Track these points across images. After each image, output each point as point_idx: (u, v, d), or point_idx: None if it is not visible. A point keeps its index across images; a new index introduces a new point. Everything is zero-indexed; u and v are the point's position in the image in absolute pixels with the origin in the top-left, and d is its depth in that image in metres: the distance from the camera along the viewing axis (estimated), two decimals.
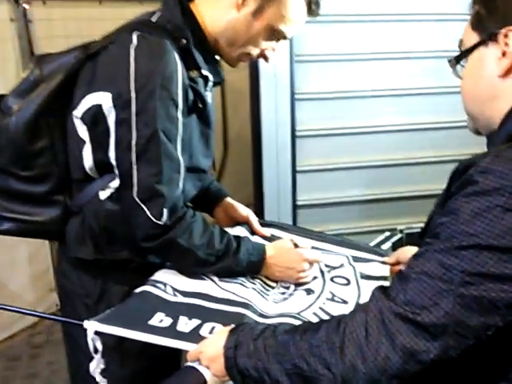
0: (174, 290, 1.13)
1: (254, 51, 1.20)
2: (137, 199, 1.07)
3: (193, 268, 1.18)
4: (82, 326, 1.00)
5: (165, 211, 1.07)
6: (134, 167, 1.06)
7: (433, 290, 0.70)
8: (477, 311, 0.68)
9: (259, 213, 2.26)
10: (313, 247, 1.36)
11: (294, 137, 2.24)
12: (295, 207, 2.33)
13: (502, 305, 0.67)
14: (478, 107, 0.85)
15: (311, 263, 1.26)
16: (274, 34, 1.17)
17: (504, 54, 0.78)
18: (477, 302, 0.68)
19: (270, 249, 1.25)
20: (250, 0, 1.12)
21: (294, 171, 2.29)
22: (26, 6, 2.52)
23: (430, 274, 0.70)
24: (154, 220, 1.07)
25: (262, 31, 1.15)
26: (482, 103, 0.84)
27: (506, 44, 0.78)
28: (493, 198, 0.68)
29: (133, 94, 1.04)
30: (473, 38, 0.83)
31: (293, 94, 2.18)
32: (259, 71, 2.13)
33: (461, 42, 0.87)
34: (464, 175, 0.72)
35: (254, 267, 1.22)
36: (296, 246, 1.28)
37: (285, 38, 1.20)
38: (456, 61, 0.87)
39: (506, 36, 0.78)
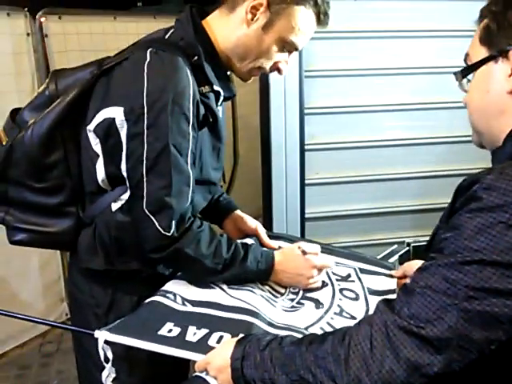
0: (184, 299, 1.15)
1: (267, 64, 1.21)
2: (146, 211, 1.09)
3: (201, 277, 1.20)
4: (93, 335, 1.02)
5: (173, 223, 1.09)
6: (145, 180, 1.08)
7: (437, 304, 0.70)
8: (480, 326, 0.68)
9: (268, 225, 2.27)
10: None
11: (302, 150, 2.25)
12: (303, 220, 2.34)
13: (506, 319, 0.68)
14: (484, 121, 0.85)
15: (320, 269, 1.27)
16: (286, 46, 1.19)
17: None
18: (480, 317, 0.68)
19: (279, 255, 1.26)
20: (260, 15, 1.14)
21: (303, 184, 2.29)
22: (42, 19, 2.57)
23: (435, 289, 0.71)
24: (162, 232, 1.08)
25: (273, 44, 1.17)
26: (489, 118, 0.84)
27: None
28: (496, 214, 0.69)
29: (145, 109, 1.07)
30: (481, 52, 0.83)
31: (302, 108, 2.20)
32: (269, 86, 2.15)
33: (467, 56, 0.87)
34: (468, 191, 0.73)
35: (262, 274, 1.22)
36: (304, 252, 1.28)
37: (296, 49, 1.21)
38: (462, 75, 0.86)
39: None
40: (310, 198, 2.33)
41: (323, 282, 1.28)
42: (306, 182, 2.31)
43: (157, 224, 1.08)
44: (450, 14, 2.19)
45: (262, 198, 2.37)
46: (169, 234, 1.09)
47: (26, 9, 2.56)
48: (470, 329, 0.69)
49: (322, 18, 1.18)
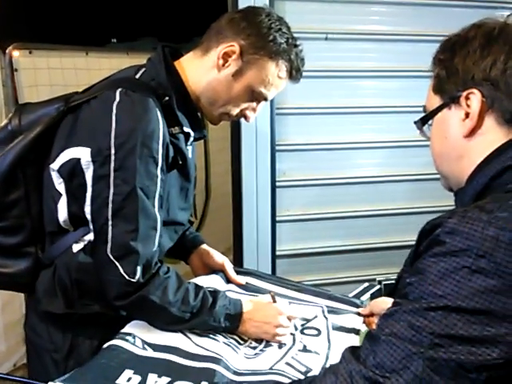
0: (144, 342, 1.10)
1: (234, 111, 1.22)
2: (110, 256, 1.05)
3: (167, 326, 1.15)
4: None
5: (138, 269, 1.06)
6: (110, 223, 1.05)
7: (402, 352, 0.68)
8: (446, 374, 0.66)
9: (238, 262, 2.24)
10: (287, 296, 1.35)
11: (274, 187, 2.25)
12: (274, 257, 2.32)
13: (472, 368, 0.66)
14: (446, 166, 0.88)
15: (289, 318, 1.24)
16: (254, 95, 1.20)
17: (467, 115, 0.81)
18: (446, 366, 0.66)
19: (247, 304, 1.23)
20: (231, 61, 1.15)
21: (274, 221, 2.29)
22: (15, 53, 2.54)
23: (400, 336, 0.69)
24: (126, 277, 1.05)
25: (242, 92, 1.17)
26: (450, 162, 0.86)
27: (468, 106, 0.80)
28: (460, 258, 0.68)
29: (112, 151, 1.05)
30: (435, 100, 0.86)
31: (273, 145, 2.21)
32: (241, 122, 2.16)
33: (424, 106, 0.89)
34: (431, 235, 0.73)
35: (230, 323, 1.18)
36: (274, 299, 1.27)
37: (265, 99, 1.22)
38: (421, 123, 0.89)
39: (467, 98, 0.80)
40: (280, 235, 2.33)
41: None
42: (277, 218, 2.30)
43: (121, 269, 1.05)
44: (417, 55, 2.24)
45: (232, 234, 2.34)
46: (134, 280, 1.05)
47: None
48: (437, 379, 0.66)
49: (294, 73, 1.19)
